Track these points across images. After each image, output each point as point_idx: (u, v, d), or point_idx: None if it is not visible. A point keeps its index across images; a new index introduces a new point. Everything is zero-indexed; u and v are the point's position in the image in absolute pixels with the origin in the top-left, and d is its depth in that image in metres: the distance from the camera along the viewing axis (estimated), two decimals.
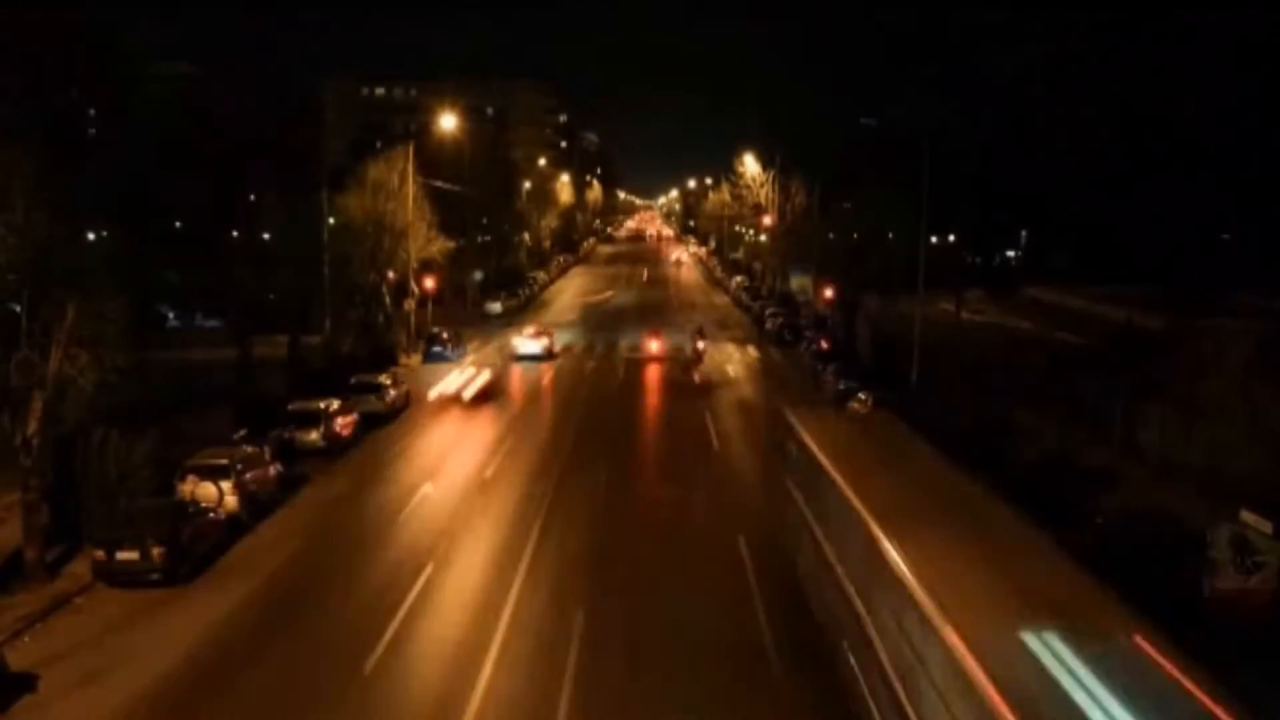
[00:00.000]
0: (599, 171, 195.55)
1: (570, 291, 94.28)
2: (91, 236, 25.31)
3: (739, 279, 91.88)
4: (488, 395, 41.57)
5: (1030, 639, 10.94)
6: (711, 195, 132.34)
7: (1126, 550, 22.02)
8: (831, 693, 16.39)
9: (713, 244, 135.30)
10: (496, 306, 73.58)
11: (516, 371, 49.22)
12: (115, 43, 43.30)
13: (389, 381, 39.12)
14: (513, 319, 70.80)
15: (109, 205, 25.53)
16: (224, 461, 25.56)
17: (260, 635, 19.41)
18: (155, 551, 21.19)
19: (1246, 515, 19.85)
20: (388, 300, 52.07)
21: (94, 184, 23.50)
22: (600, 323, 69.78)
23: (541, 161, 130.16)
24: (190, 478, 24.92)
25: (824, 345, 50.20)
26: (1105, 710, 10.02)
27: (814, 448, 19.08)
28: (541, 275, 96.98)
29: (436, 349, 51.55)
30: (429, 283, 54.67)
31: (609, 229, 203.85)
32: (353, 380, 38.24)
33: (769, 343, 60.27)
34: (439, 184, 58.15)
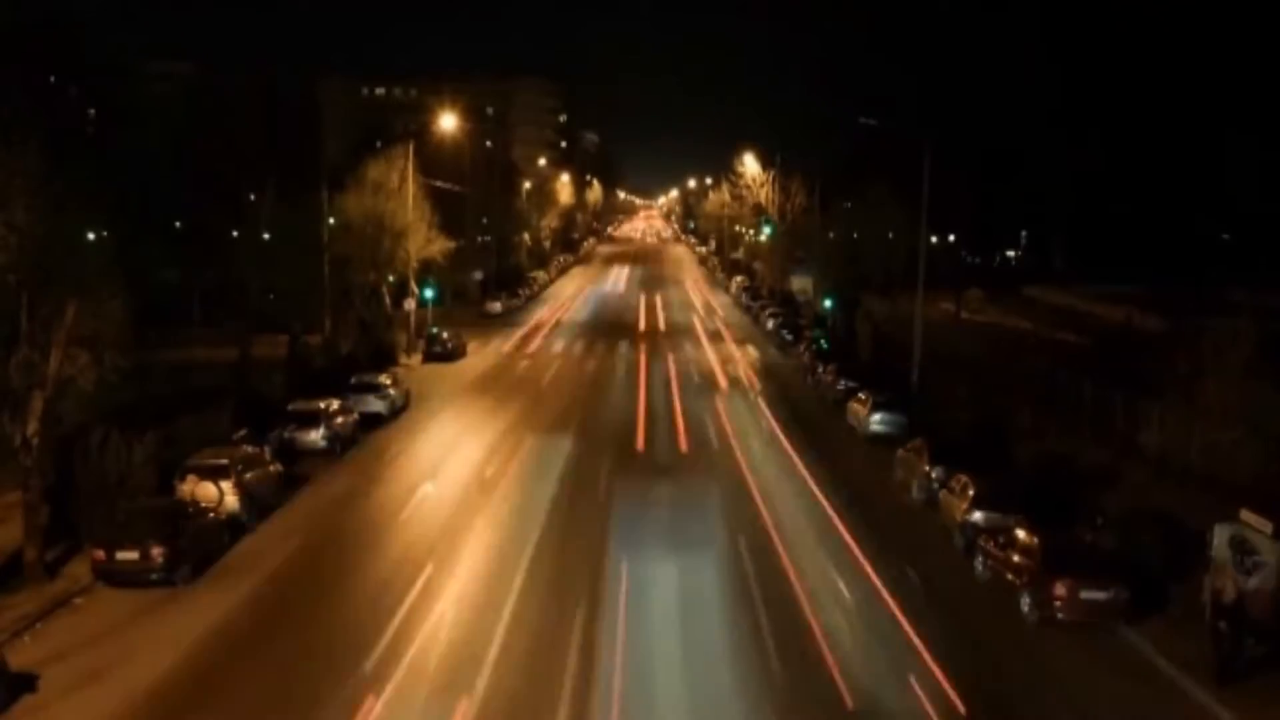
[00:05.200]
0: (599, 171, 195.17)
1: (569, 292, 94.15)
2: (91, 236, 25.27)
3: (739, 279, 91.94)
4: None
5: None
6: (711, 195, 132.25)
7: (1128, 549, 22.10)
8: None
9: (713, 244, 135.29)
10: (497, 306, 73.59)
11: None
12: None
13: (389, 381, 39.11)
14: (513, 318, 70.84)
15: (109, 205, 25.42)
16: (224, 461, 25.50)
17: (260, 635, 19.40)
18: (155, 551, 21.15)
19: (1246, 515, 19.86)
20: (387, 300, 52.08)
21: (94, 184, 23.38)
22: None
23: (541, 161, 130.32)
24: (190, 478, 24.87)
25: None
26: None
27: None
28: (541, 275, 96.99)
29: (436, 349, 51.58)
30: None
31: (606, 232, 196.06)
32: (353, 380, 38.22)
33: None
34: (439, 184, 58.14)
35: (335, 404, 33.69)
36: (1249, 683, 17.61)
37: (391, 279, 52.13)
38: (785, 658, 18.41)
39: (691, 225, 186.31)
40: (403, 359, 50.19)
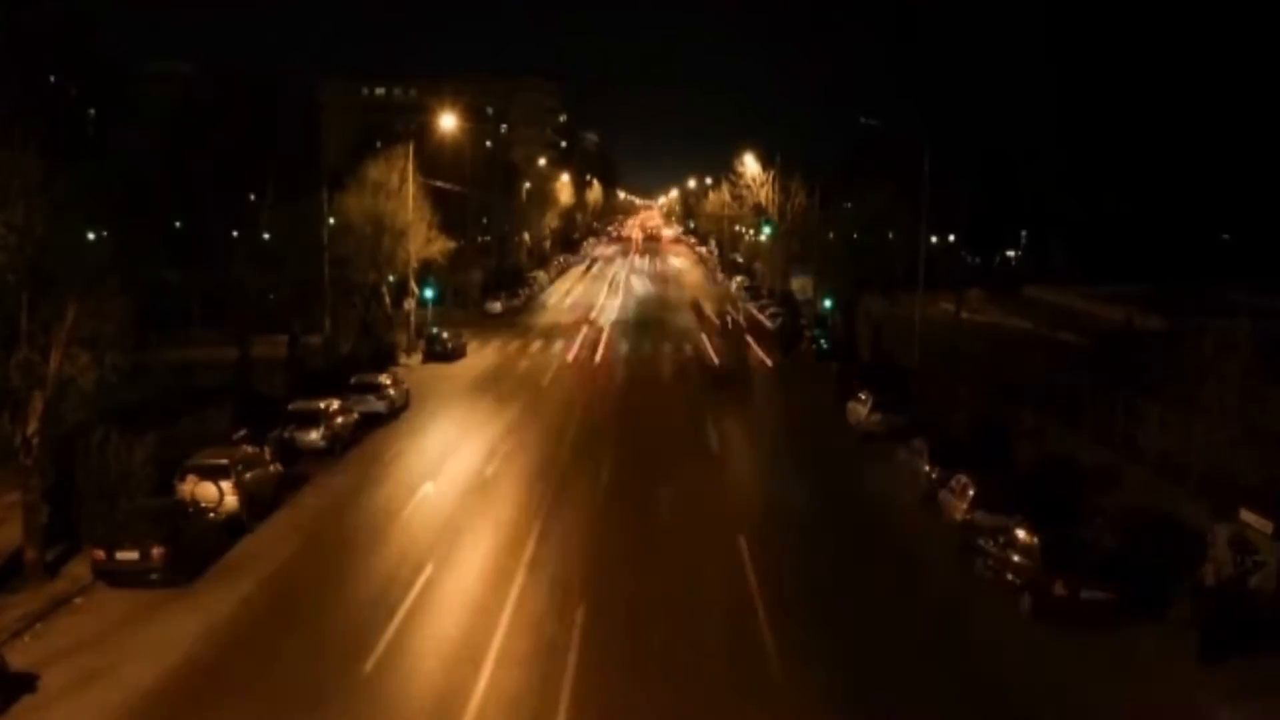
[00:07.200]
0: (599, 171, 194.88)
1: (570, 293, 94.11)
2: (91, 236, 25.27)
3: (739, 279, 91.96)
4: None
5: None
6: (711, 195, 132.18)
7: (1128, 549, 22.09)
8: None
9: (713, 244, 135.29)
10: (496, 306, 73.58)
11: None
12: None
13: (389, 381, 39.11)
14: (513, 318, 70.83)
15: (109, 205, 25.42)
16: (224, 461, 25.52)
17: (260, 635, 19.41)
18: (155, 551, 21.17)
19: (1246, 515, 19.84)
20: (388, 300, 52.08)
21: (94, 184, 23.38)
22: None
23: (541, 161, 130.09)
24: (190, 478, 24.89)
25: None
26: None
27: None
28: (541, 275, 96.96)
29: (436, 349, 51.62)
30: None
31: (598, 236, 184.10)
32: (353, 380, 38.22)
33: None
34: (439, 184, 58.14)
35: (335, 404, 33.70)
36: (1249, 682, 17.60)
37: (391, 279, 52.14)
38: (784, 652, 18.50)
39: (691, 225, 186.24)
40: (403, 359, 50.19)
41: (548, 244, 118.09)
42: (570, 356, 54.06)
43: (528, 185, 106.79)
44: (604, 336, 62.03)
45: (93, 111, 47.73)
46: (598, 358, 53.81)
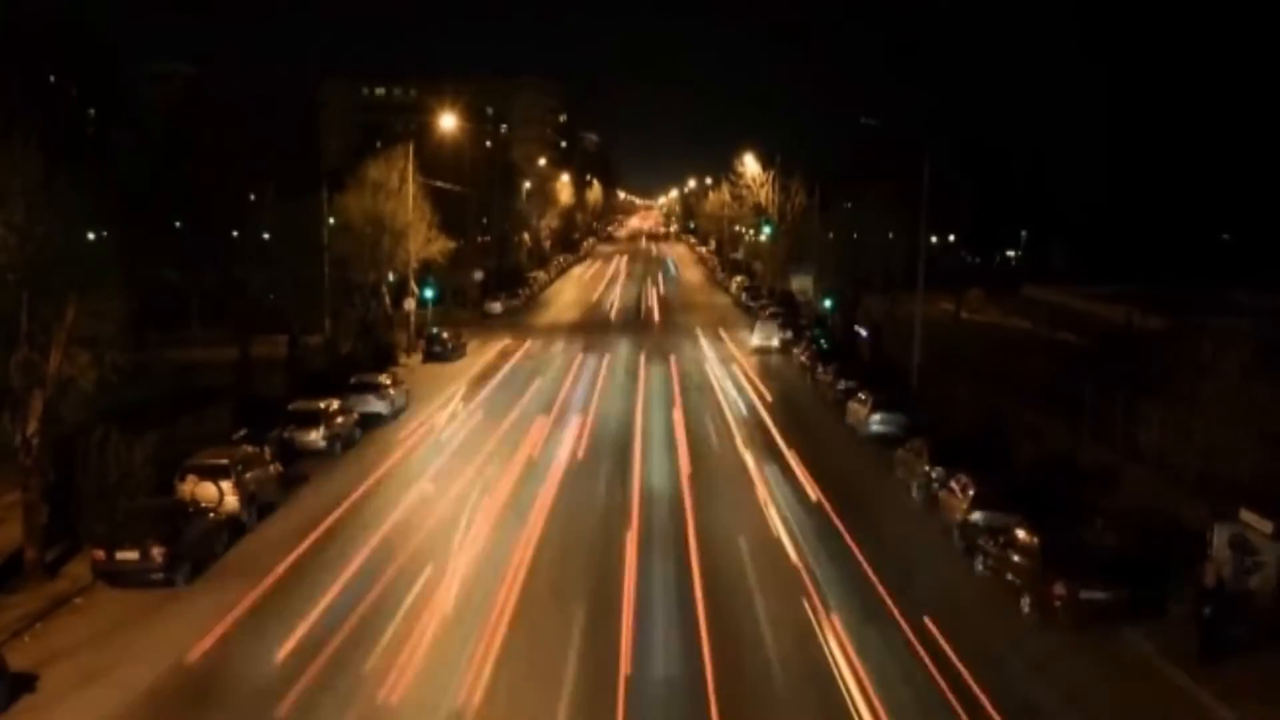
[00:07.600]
0: (599, 171, 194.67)
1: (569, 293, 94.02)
2: (91, 236, 25.27)
3: (739, 279, 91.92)
4: None
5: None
6: (711, 195, 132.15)
7: (1128, 549, 22.09)
8: None
9: (713, 244, 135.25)
10: (496, 306, 73.57)
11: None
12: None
13: (389, 381, 39.11)
14: (513, 318, 70.83)
15: (109, 205, 25.42)
16: (224, 461, 25.52)
17: (260, 635, 19.39)
18: (155, 551, 21.18)
19: (1246, 515, 19.85)
20: (388, 300, 52.09)
21: (94, 184, 23.40)
22: None
23: (541, 161, 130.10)
24: (190, 478, 24.89)
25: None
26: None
27: None
28: (541, 275, 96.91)
29: (436, 349, 51.63)
30: None
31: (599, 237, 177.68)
32: (353, 380, 38.23)
33: None
34: (439, 184, 58.17)
35: (335, 404, 33.71)
36: (1249, 682, 17.60)
37: (391, 279, 52.16)
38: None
39: (692, 225, 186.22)
40: (402, 359, 50.20)
41: (548, 244, 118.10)
42: (570, 357, 54.09)
43: (528, 185, 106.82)
44: (604, 334, 62.07)
45: (93, 111, 47.80)
46: (597, 356, 53.82)
